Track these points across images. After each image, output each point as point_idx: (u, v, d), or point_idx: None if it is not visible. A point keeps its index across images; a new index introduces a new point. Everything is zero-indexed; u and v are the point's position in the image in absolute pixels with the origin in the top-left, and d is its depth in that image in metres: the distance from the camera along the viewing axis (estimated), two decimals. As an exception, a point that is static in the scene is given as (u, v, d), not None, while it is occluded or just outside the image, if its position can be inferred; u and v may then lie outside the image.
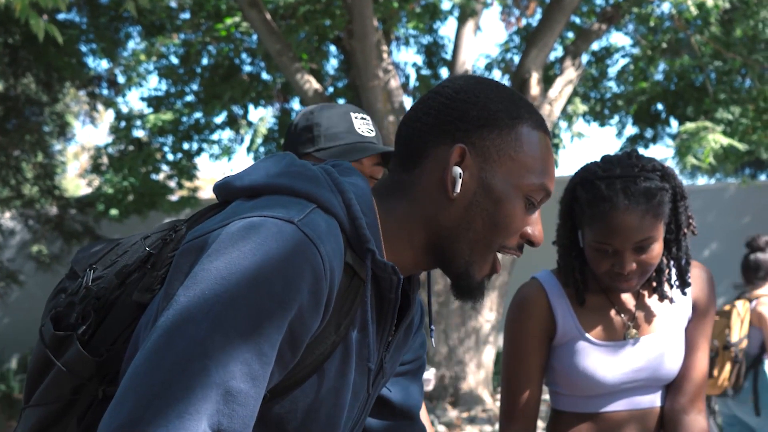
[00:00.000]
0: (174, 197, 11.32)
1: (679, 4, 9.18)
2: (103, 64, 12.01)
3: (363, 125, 1.92)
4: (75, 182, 20.85)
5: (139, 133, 11.42)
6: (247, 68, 11.52)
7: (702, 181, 17.67)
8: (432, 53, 11.87)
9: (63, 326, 1.18)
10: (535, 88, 8.82)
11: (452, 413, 8.42)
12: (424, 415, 2.08)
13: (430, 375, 2.68)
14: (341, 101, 11.35)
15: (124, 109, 12.03)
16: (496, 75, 11.68)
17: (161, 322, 1.01)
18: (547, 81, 9.95)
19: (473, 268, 1.24)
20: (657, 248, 1.94)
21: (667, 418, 2.05)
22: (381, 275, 1.19)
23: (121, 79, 11.83)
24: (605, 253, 1.94)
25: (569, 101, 10.62)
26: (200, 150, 11.55)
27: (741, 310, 4.59)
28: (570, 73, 9.37)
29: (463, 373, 8.71)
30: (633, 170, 1.94)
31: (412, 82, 11.70)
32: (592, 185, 1.95)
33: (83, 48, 10.87)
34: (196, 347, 0.98)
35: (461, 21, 9.31)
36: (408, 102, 11.60)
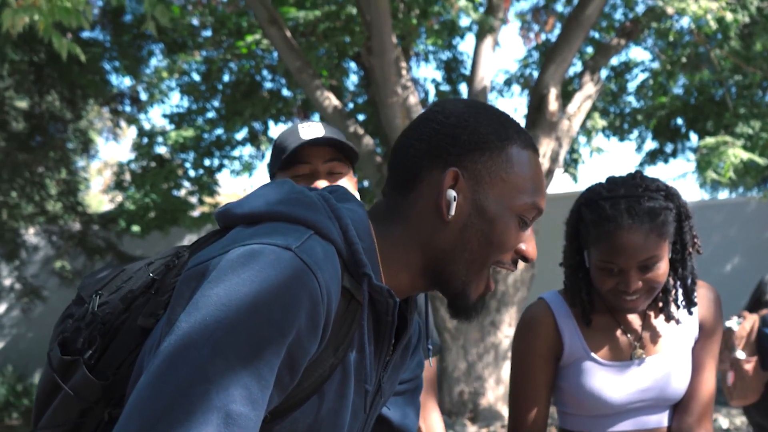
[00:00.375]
0: (195, 213, 11.41)
1: (699, 19, 9.18)
2: (126, 82, 12.14)
3: (308, 129, 1.93)
4: (98, 198, 21.05)
5: (161, 150, 11.54)
6: (268, 85, 11.62)
7: (723, 195, 17.58)
8: (451, 69, 11.91)
9: (70, 351, 1.22)
10: (553, 104, 8.82)
11: (471, 429, 8.42)
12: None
13: None
14: (361, 117, 11.42)
15: (147, 126, 12.16)
16: (515, 90, 11.71)
17: (164, 347, 1.05)
18: (567, 96, 9.95)
19: (470, 287, 1.28)
20: (662, 267, 1.96)
21: (675, 438, 2.06)
22: (378, 298, 1.22)
23: (143, 96, 11.97)
24: (610, 272, 1.97)
25: (588, 116, 10.61)
26: (221, 166, 11.64)
27: None
28: (589, 88, 9.37)
29: (482, 388, 8.71)
30: (637, 190, 1.97)
31: (431, 97, 11.74)
32: (596, 205, 1.98)
33: (106, 65, 11.02)
34: (197, 372, 1.01)
35: (479, 37, 9.35)
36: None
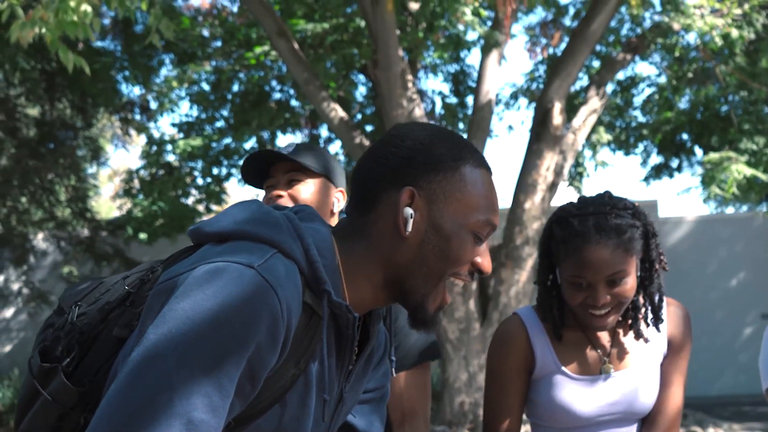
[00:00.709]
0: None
1: (705, 35, 9.24)
2: (136, 90, 12.27)
3: (272, 148, 2.22)
4: (109, 205, 21.19)
5: (170, 158, 11.66)
6: (277, 95, 11.72)
7: (731, 210, 17.57)
8: (459, 81, 11.99)
9: (49, 359, 1.31)
10: (557, 118, 8.89)
11: (472, 440, 8.46)
12: None
13: None
14: (368, 128, 11.51)
15: (156, 134, 12.28)
16: (522, 103, 11.77)
17: (133, 357, 1.13)
18: (573, 110, 10.02)
19: (428, 300, 1.36)
20: (630, 282, 2.04)
21: (642, 450, 2.13)
22: (338, 313, 1.30)
23: (153, 105, 12.09)
24: (579, 287, 2.04)
25: (593, 130, 10.67)
26: (229, 175, 11.75)
27: None
28: (594, 103, 9.43)
29: (482, 399, 8.74)
30: (605, 208, 2.06)
31: (438, 109, 11.82)
32: (566, 222, 2.07)
33: (117, 75, 11.14)
34: (162, 381, 1.10)
35: (485, 52, 9.43)
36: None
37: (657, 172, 11.80)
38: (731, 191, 9.10)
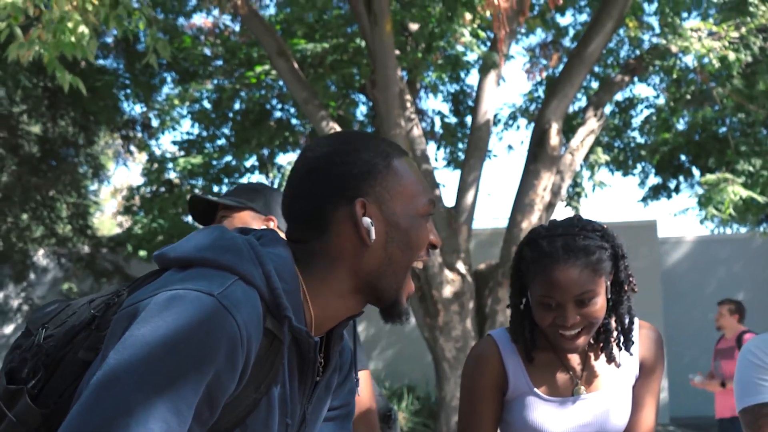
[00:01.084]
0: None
1: (702, 58, 9.31)
2: (137, 108, 12.36)
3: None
4: (111, 222, 21.26)
5: (171, 176, 11.72)
6: (278, 114, 11.80)
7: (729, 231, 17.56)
8: (459, 101, 12.06)
9: (16, 380, 1.33)
10: (554, 138, 8.93)
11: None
12: None
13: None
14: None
15: (157, 152, 12.36)
16: (521, 123, 11.83)
17: (93, 380, 1.16)
18: (571, 131, 10.07)
19: (401, 293, 1.42)
20: (599, 303, 2.07)
21: (614, 472, 2.16)
22: (299, 338, 1.34)
23: (154, 123, 12.17)
24: (548, 307, 2.08)
25: (591, 151, 10.72)
26: (230, 193, 11.78)
27: None
28: (592, 123, 9.48)
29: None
30: (573, 230, 2.10)
31: (437, 128, 11.89)
32: (536, 244, 2.11)
33: (119, 93, 11.23)
34: (120, 406, 1.13)
35: (483, 72, 9.50)
36: (431, 149, 11.77)
37: (655, 192, 11.84)
38: (728, 212, 9.13)
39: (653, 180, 12.09)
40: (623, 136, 11.76)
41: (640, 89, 24.98)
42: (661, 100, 11.46)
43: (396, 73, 8.29)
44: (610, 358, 2.18)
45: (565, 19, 12.67)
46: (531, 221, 8.77)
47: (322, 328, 1.42)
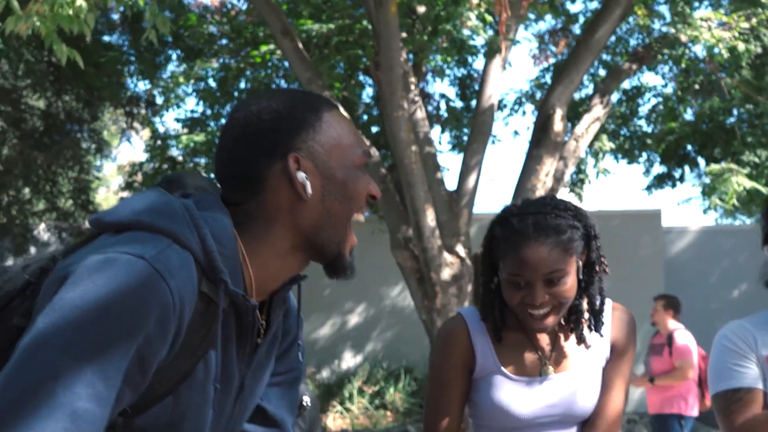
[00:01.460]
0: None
1: (711, 48, 9.24)
2: (141, 85, 12.34)
3: None
4: (116, 198, 21.31)
5: (174, 153, 11.70)
6: (283, 93, 11.73)
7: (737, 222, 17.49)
8: (465, 85, 12.01)
9: None
10: (558, 124, 8.88)
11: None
12: None
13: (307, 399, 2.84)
14: (374, 129, 11.54)
15: (161, 129, 12.34)
16: (527, 109, 11.78)
17: (21, 344, 1.15)
18: (577, 117, 10.02)
19: (343, 245, 1.40)
20: (569, 282, 2.05)
21: (581, 453, 2.14)
22: (237, 301, 1.32)
23: (159, 100, 12.15)
24: (518, 286, 2.05)
25: (596, 138, 10.67)
26: (233, 171, 11.76)
27: None
28: (598, 110, 9.43)
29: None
30: (545, 208, 2.08)
31: (442, 112, 11.84)
32: (507, 222, 2.09)
33: (123, 69, 11.21)
34: (46, 369, 1.11)
35: (488, 57, 9.44)
36: (435, 132, 11.73)
37: (659, 181, 11.80)
38: (731, 203, 9.09)
39: (658, 169, 12.06)
40: (630, 124, 11.70)
41: (648, 78, 24.89)
42: (669, 90, 11.39)
43: (400, 54, 8.24)
44: (581, 339, 2.16)
45: (575, 6, 12.61)
46: (533, 207, 8.72)
47: (264, 291, 1.40)
